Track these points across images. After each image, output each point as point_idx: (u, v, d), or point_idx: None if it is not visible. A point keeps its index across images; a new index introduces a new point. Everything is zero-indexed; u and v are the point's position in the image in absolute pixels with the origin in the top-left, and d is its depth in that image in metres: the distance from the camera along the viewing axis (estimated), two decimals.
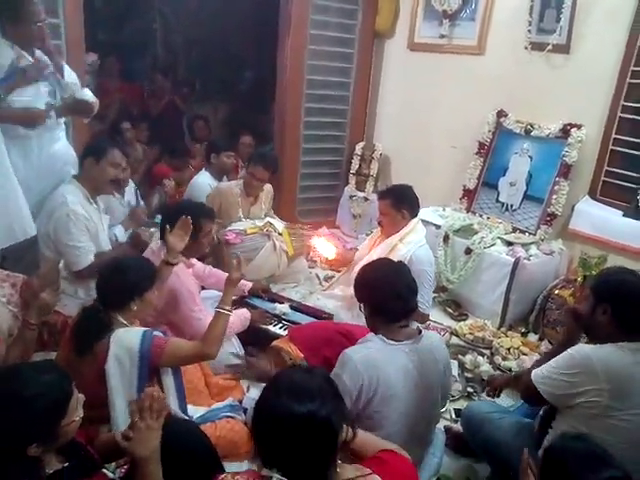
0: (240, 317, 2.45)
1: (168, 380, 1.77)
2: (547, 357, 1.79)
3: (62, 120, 2.78)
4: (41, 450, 1.13)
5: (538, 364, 1.80)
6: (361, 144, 4.39)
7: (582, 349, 1.64)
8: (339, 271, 3.48)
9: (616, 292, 1.70)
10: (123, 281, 1.77)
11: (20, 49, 2.45)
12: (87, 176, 2.46)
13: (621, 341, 1.61)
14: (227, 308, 1.87)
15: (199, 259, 2.66)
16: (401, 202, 2.69)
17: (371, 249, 2.83)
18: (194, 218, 2.24)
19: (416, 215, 2.76)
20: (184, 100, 5.30)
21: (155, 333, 1.73)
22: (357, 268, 2.02)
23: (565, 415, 1.66)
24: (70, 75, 2.63)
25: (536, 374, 1.70)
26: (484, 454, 1.97)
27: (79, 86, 2.67)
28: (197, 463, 1.45)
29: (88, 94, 2.67)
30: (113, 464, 1.43)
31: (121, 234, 2.97)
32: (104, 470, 1.29)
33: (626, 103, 3.03)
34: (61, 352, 1.80)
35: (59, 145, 2.73)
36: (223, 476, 1.16)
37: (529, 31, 3.31)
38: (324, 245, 3.27)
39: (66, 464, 1.20)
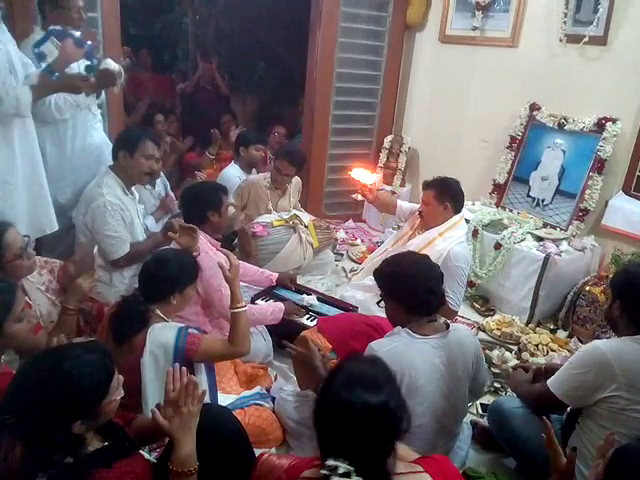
0: (275, 308, 2.48)
1: (201, 375, 1.81)
2: None
3: (98, 111, 2.83)
4: (85, 427, 1.17)
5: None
6: (389, 137, 4.37)
7: (594, 345, 1.64)
8: (362, 262, 3.49)
9: (625, 288, 1.69)
10: (167, 277, 1.82)
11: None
12: (122, 168, 2.51)
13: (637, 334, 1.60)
14: (240, 305, 1.87)
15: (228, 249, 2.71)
16: (445, 194, 2.66)
17: (410, 238, 2.80)
18: (215, 196, 2.35)
19: (459, 211, 2.72)
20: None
21: (190, 330, 1.76)
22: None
23: (590, 413, 1.66)
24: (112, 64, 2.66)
25: (551, 381, 1.71)
26: (510, 449, 1.96)
27: (108, 61, 2.66)
28: (231, 448, 1.49)
29: (111, 63, 2.66)
30: (147, 447, 1.47)
31: (152, 225, 3.03)
32: (141, 451, 1.34)
33: None
34: (99, 338, 1.86)
35: (96, 136, 2.79)
36: (267, 455, 1.19)
37: (564, 23, 3.24)
38: (363, 173, 3.14)
39: (105, 443, 1.25)
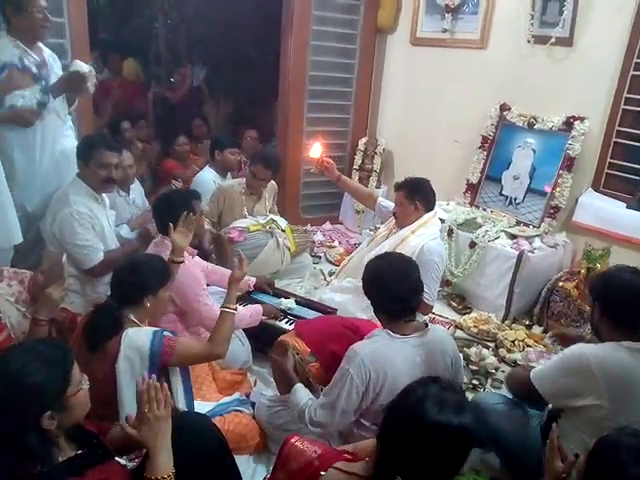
0: (252, 311, 2.46)
1: (176, 379, 1.79)
2: None
3: (69, 118, 2.78)
4: (55, 423, 1.15)
5: None
6: (364, 139, 4.39)
7: (579, 350, 1.62)
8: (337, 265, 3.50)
9: (602, 290, 1.69)
10: (138, 278, 1.80)
11: (25, 45, 2.48)
12: (84, 176, 2.47)
13: (622, 340, 1.58)
14: (232, 307, 1.90)
15: (203, 258, 2.68)
16: (415, 194, 2.71)
17: (386, 238, 2.83)
18: (187, 203, 2.31)
19: (431, 209, 2.77)
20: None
21: (165, 333, 1.75)
22: (366, 260, 2.02)
23: (570, 416, 1.66)
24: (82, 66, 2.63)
25: (535, 374, 1.71)
26: (492, 445, 1.98)
27: (77, 63, 2.63)
28: (210, 456, 1.47)
29: (81, 65, 2.62)
30: (125, 456, 1.45)
31: (127, 233, 2.98)
32: (117, 459, 1.31)
33: (629, 95, 3.04)
34: (71, 349, 1.82)
35: (67, 144, 2.73)
36: (296, 438, 1.18)
37: (532, 24, 3.31)
38: (316, 147, 3.19)
39: (79, 451, 1.23)
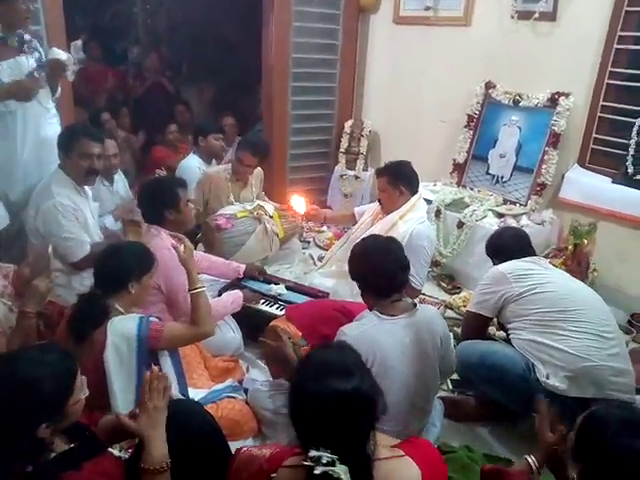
0: (233, 297, 2.46)
1: (167, 365, 1.79)
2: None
3: (52, 105, 2.73)
4: (50, 431, 1.14)
5: None
6: (350, 122, 4.35)
7: (491, 268, 2.24)
8: (329, 249, 3.50)
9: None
10: (121, 264, 1.80)
11: (6, 30, 2.44)
12: (66, 167, 2.43)
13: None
14: (197, 286, 1.89)
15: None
16: (398, 178, 2.69)
17: (372, 225, 2.82)
18: (170, 191, 2.28)
19: (416, 192, 2.75)
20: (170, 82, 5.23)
21: (151, 319, 1.74)
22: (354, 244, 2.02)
23: (511, 330, 2.13)
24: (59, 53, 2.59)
25: (470, 306, 2.26)
26: (489, 385, 2.07)
27: (55, 51, 2.60)
28: (204, 443, 1.47)
29: (59, 52, 2.59)
30: (118, 445, 1.44)
31: (112, 223, 2.95)
32: (110, 450, 1.31)
33: (613, 69, 3.03)
34: (58, 341, 1.80)
35: (50, 131, 2.67)
36: (245, 449, 1.17)
37: (515, 0, 3.28)
38: (298, 201, 3.24)
39: (72, 445, 1.22)
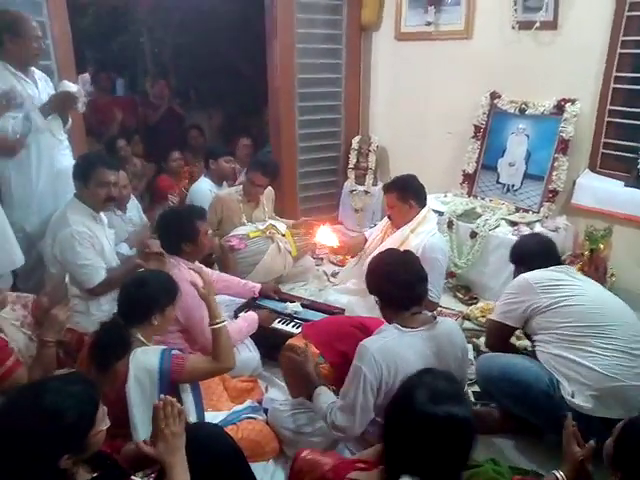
0: (248, 320, 2.47)
1: (186, 395, 1.77)
2: None
3: (65, 136, 2.79)
4: (72, 461, 1.14)
5: None
6: (357, 138, 4.39)
7: (518, 277, 2.16)
8: (343, 265, 3.49)
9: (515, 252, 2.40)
10: (146, 296, 1.78)
11: (17, 70, 2.52)
12: (82, 196, 2.47)
13: None
14: (218, 320, 1.85)
15: (206, 265, 2.68)
16: (407, 193, 2.69)
17: (382, 240, 2.82)
18: (190, 223, 2.28)
19: (424, 204, 2.75)
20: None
21: (173, 352, 1.73)
22: (369, 260, 2.02)
23: (536, 342, 2.07)
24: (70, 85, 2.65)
25: (494, 315, 2.20)
26: (511, 399, 2.03)
27: (65, 83, 2.66)
28: (226, 465, 1.46)
29: (69, 85, 2.65)
30: (140, 473, 1.44)
31: (127, 251, 2.98)
32: (133, 478, 1.30)
33: (618, 74, 3.03)
34: (80, 369, 1.81)
35: (64, 162, 2.73)
36: (307, 452, 1.17)
37: (515, 10, 3.31)
38: (327, 235, 3.23)
39: (95, 474, 1.22)
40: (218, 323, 1.84)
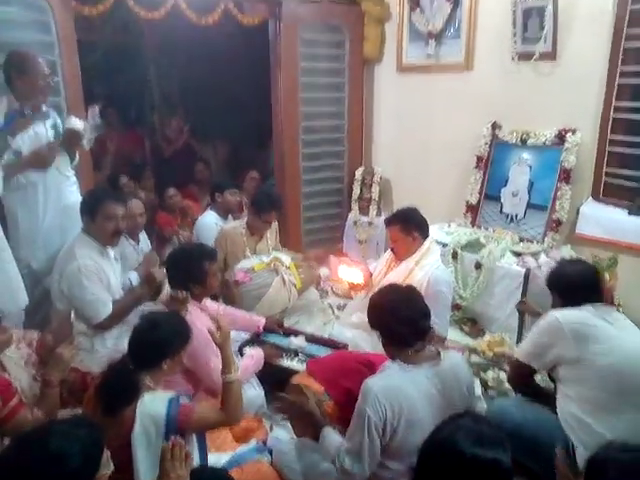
0: (255, 358, 2.45)
1: (190, 437, 1.73)
2: None
3: (72, 173, 2.83)
4: None
5: None
6: (360, 169, 4.42)
7: (548, 314, 1.98)
8: (348, 297, 3.49)
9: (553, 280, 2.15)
10: (159, 340, 1.74)
11: (24, 103, 2.58)
12: (90, 231, 2.49)
13: None
14: (232, 374, 1.80)
15: (211, 298, 2.67)
16: (409, 225, 2.70)
17: (386, 274, 2.82)
18: (199, 265, 2.28)
19: (427, 236, 2.76)
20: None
21: (181, 401, 1.68)
22: (370, 295, 2.01)
23: (560, 388, 1.93)
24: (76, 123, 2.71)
25: (520, 353, 2.06)
26: (520, 452, 1.90)
27: (72, 121, 2.71)
28: None
29: (75, 122, 2.70)
30: None
31: (136, 280, 2.98)
32: None
33: (618, 103, 3.06)
34: (85, 410, 1.78)
35: (71, 198, 2.76)
36: None
37: (514, 42, 3.36)
38: (349, 271, 3.14)
39: None
40: (231, 378, 1.79)
